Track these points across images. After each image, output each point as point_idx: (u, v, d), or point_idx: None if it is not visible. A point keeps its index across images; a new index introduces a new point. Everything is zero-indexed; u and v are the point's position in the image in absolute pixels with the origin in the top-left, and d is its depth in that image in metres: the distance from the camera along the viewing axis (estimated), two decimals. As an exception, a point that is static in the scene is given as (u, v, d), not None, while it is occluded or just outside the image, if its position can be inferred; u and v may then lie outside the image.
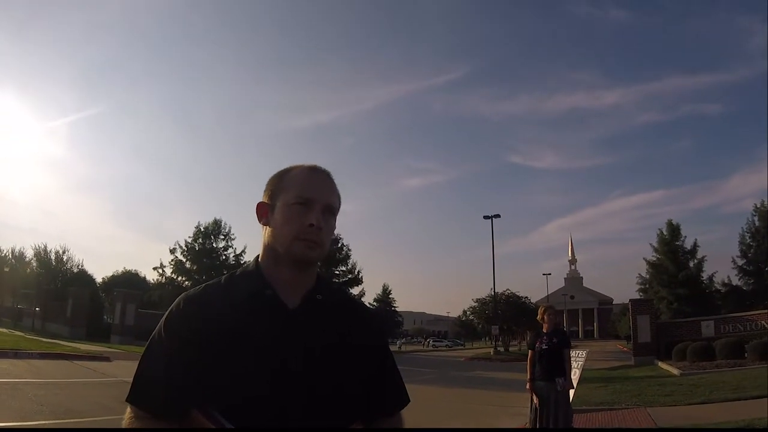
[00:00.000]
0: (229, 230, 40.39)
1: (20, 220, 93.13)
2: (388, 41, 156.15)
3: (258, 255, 1.18)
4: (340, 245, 39.30)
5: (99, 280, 44.36)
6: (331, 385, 1.06)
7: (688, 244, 35.40)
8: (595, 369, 19.84)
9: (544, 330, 6.05)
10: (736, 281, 34.33)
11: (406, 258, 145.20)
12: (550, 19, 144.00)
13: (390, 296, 57.41)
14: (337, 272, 39.57)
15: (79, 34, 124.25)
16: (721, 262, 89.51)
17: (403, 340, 66.54)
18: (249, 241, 41.54)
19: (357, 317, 1.20)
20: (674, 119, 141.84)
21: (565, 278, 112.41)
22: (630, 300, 29.93)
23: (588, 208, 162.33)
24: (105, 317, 38.45)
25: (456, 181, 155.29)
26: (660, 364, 21.52)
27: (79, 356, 17.13)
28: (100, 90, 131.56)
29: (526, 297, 44.66)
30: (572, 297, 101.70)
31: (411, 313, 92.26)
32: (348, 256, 40.19)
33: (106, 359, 17.27)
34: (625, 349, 41.94)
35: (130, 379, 1.07)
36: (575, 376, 7.27)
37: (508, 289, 42.80)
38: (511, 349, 43.32)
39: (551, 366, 5.87)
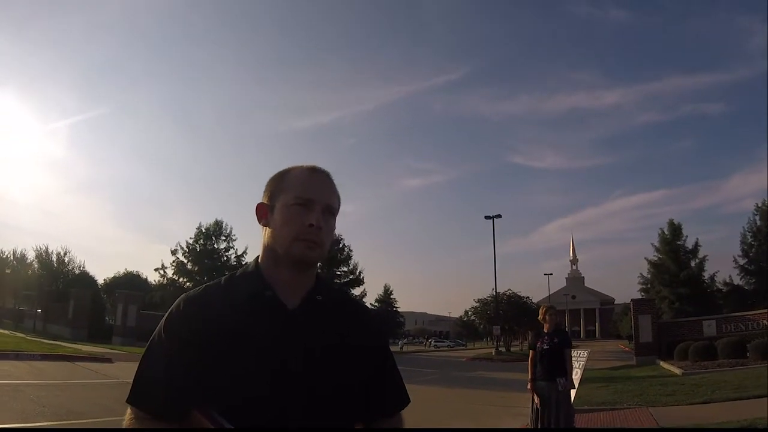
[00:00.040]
0: (231, 231, 40.49)
1: (21, 221, 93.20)
2: (388, 41, 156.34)
3: (258, 256, 1.18)
4: (341, 246, 39.36)
5: (100, 281, 44.25)
6: (331, 385, 1.06)
7: (689, 244, 35.41)
8: (597, 369, 19.82)
9: (546, 330, 6.04)
10: (737, 280, 34.37)
11: (406, 258, 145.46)
12: (550, 19, 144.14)
13: (391, 297, 57.33)
14: (338, 273, 39.66)
15: (80, 35, 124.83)
16: (722, 262, 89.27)
17: (405, 340, 66.57)
18: (250, 242, 41.62)
19: (357, 318, 1.20)
20: (674, 119, 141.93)
21: (566, 278, 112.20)
22: (631, 300, 29.84)
23: (589, 208, 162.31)
24: (107, 318, 38.46)
25: (456, 181, 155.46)
26: (662, 363, 21.48)
27: (81, 357, 17.16)
28: (100, 90, 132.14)
29: (528, 297, 44.82)
30: (574, 297, 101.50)
31: (412, 313, 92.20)
32: (349, 257, 40.31)
33: (108, 360, 17.28)
34: (626, 348, 41.81)
35: (132, 381, 1.07)
36: (577, 376, 7.26)
37: (509, 289, 42.95)
38: (512, 349, 43.35)
39: (552, 366, 5.86)
